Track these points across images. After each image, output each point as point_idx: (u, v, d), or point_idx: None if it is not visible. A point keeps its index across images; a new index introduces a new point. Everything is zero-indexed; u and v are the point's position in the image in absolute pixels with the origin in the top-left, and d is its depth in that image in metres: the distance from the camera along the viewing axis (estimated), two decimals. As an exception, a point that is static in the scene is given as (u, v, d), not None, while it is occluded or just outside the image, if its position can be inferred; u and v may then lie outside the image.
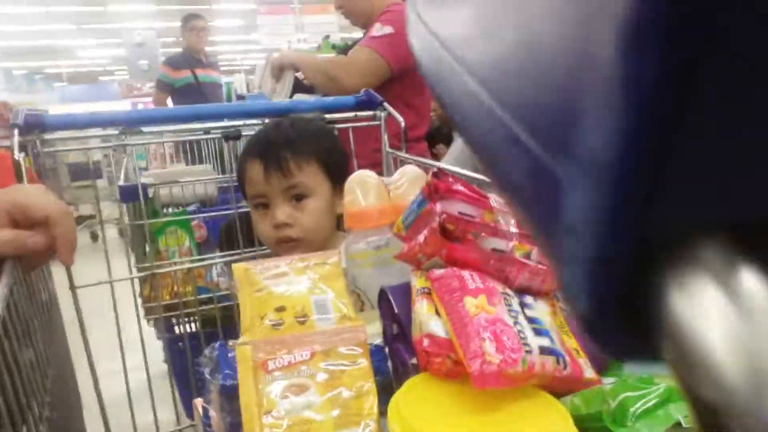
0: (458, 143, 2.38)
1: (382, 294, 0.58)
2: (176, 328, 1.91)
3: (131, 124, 1.06)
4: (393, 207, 0.72)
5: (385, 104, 1.33)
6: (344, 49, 1.93)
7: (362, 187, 0.70)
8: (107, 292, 1.18)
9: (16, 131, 0.97)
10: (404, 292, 0.58)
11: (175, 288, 1.79)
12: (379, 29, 1.79)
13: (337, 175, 1.07)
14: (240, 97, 6.30)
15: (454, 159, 2.38)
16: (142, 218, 1.54)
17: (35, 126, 1.02)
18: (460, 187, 0.55)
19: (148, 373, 1.31)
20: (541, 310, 0.53)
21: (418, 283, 0.54)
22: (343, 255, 0.71)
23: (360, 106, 1.37)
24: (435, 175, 0.55)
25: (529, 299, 0.53)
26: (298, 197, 1.02)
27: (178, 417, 1.46)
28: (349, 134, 1.34)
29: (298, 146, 1.02)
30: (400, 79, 1.84)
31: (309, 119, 1.11)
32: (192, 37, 4.31)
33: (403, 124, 1.30)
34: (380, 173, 1.70)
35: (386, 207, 0.70)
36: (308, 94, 1.85)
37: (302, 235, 1.02)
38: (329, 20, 7.99)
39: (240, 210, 1.51)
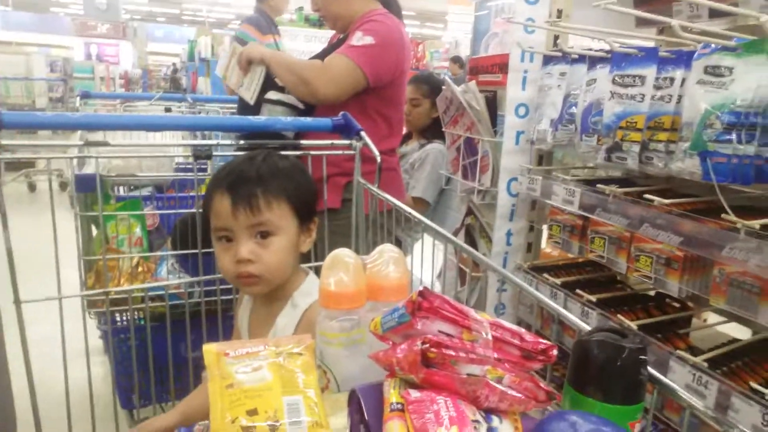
0: (429, 164, 2.39)
1: (353, 394, 0.59)
2: (119, 317, 1.85)
3: (97, 128, 1.01)
4: (368, 287, 0.72)
5: (362, 134, 1.32)
6: (321, 54, 1.87)
7: (339, 267, 0.70)
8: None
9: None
10: (375, 395, 0.59)
11: (121, 281, 1.73)
12: (359, 38, 1.76)
13: (306, 213, 1.07)
14: (203, 61, 6.05)
15: (430, 182, 2.39)
16: (93, 207, 1.47)
17: (-9, 125, 0.95)
18: (442, 306, 0.56)
19: (90, 381, 1.27)
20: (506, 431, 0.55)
21: (391, 396, 0.55)
22: (316, 328, 0.71)
23: (337, 129, 1.35)
24: (420, 294, 0.55)
25: (495, 421, 0.55)
26: (264, 234, 1.01)
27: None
28: (322, 160, 1.32)
29: (268, 183, 1.01)
30: (376, 90, 1.81)
31: (282, 155, 1.09)
32: (278, 2, 3.89)
33: (378, 159, 1.30)
34: (350, 188, 1.70)
35: (361, 290, 0.70)
36: (280, 93, 1.80)
37: (263, 272, 1.01)
38: (305, -11, 7.76)
39: (201, 210, 1.47)
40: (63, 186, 5.56)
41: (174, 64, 12.00)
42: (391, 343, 0.61)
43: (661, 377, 0.61)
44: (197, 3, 20.32)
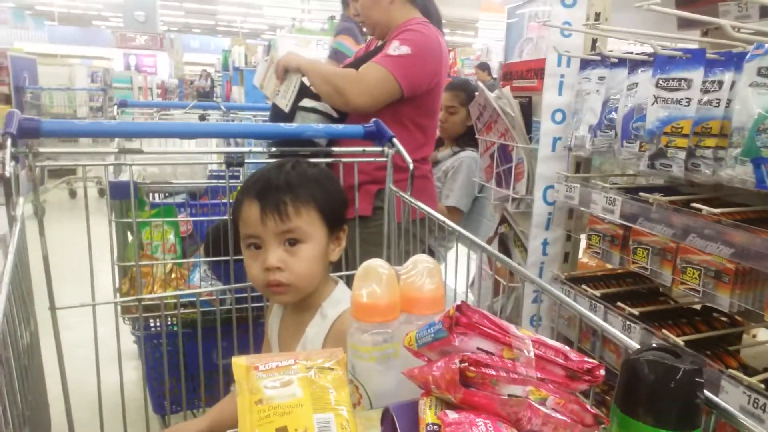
0: (463, 173, 2.35)
1: (387, 413, 0.57)
2: (152, 323, 1.87)
3: (131, 136, 1.02)
4: (402, 299, 0.69)
5: (394, 141, 1.30)
6: (357, 62, 1.86)
7: (372, 278, 0.67)
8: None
9: (9, 141, 0.91)
10: (410, 414, 0.56)
11: (155, 288, 1.75)
12: (396, 48, 1.74)
13: (335, 221, 1.06)
14: (237, 70, 6.16)
15: (464, 191, 2.35)
16: (128, 213, 1.49)
17: (31, 133, 0.96)
18: (481, 321, 0.53)
19: (122, 385, 1.27)
20: (548, 457, 0.52)
21: (427, 416, 0.52)
22: (347, 341, 0.69)
23: (368, 136, 1.33)
24: (458, 308, 0.52)
25: (538, 446, 0.52)
26: (292, 242, 1.00)
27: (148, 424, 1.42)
28: (354, 167, 1.31)
29: (297, 191, 1.00)
30: (411, 101, 1.80)
31: (312, 162, 1.08)
32: None
33: (411, 166, 1.27)
34: (381, 195, 1.68)
35: (395, 302, 0.68)
36: (315, 101, 1.79)
37: (292, 281, 1.00)
38: (336, -1, 7.85)
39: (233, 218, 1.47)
40: (101, 193, 5.73)
41: (207, 72, 12.36)
42: (426, 359, 0.58)
43: (719, 401, 0.57)
44: (231, 14, 20.79)
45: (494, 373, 0.50)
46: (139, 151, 1.03)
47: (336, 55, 3.70)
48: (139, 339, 1.86)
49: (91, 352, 1.16)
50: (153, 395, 1.84)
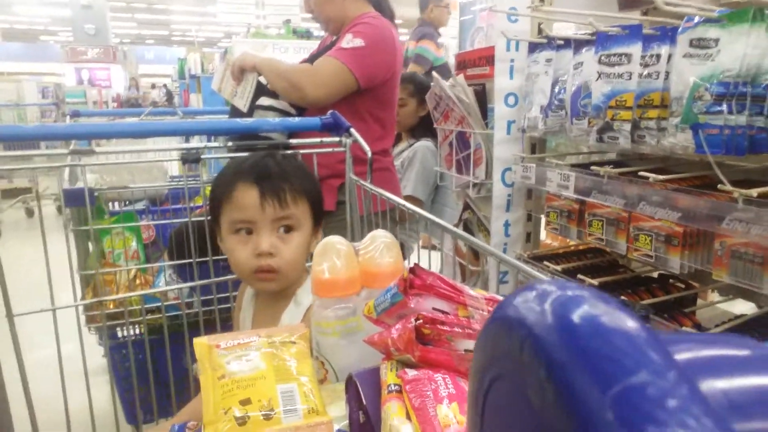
0: (417, 161, 2.38)
1: (350, 381, 0.58)
2: (120, 333, 1.83)
3: (83, 138, 1.00)
4: (361, 274, 0.71)
5: (352, 131, 1.31)
6: (312, 57, 1.87)
7: (332, 254, 0.68)
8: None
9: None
10: (373, 379, 0.57)
11: (119, 295, 1.71)
12: (349, 41, 1.75)
13: (319, 214, 1.10)
14: (193, 78, 6.07)
15: (420, 180, 2.38)
16: (86, 222, 1.46)
17: (-25, 138, 0.94)
18: (435, 282, 0.55)
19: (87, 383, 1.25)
20: (507, 408, 0.54)
21: (388, 377, 0.54)
22: (311, 321, 0.69)
23: (325, 128, 1.34)
24: (411, 270, 0.54)
25: (496, 398, 0.54)
26: (287, 229, 1.03)
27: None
28: (312, 158, 1.31)
29: (293, 180, 1.03)
30: (367, 93, 1.81)
31: (293, 155, 1.11)
32: (442, 13, 3.91)
33: (369, 154, 1.28)
34: (344, 190, 1.69)
35: (354, 276, 0.69)
36: (272, 99, 1.79)
37: (282, 267, 1.02)
38: (292, 2, 7.80)
39: (194, 219, 1.46)
40: (60, 210, 5.55)
41: (165, 85, 12.08)
42: (386, 326, 0.60)
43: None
44: (185, 23, 20.43)
45: (449, 329, 0.52)
46: (91, 152, 1.01)
47: (419, 60, 3.71)
48: (106, 348, 1.82)
49: (58, 371, 1.13)
50: (126, 406, 1.80)
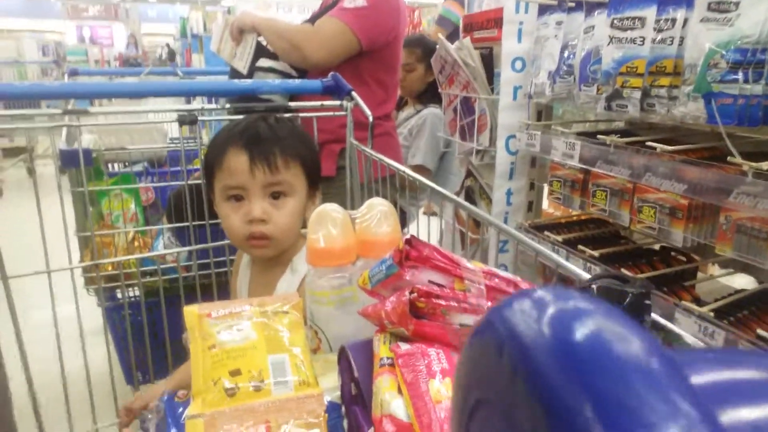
0: (427, 130, 2.34)
1: (343, 352, 0.57)
2: (118, 294, 1.83)
3: (78, 97, 0.97)
4: (357, 243, 0.69)
5: (353, 94, 1.27)
6: (313, 17, 1.81)
7: (327, 222, 0.66)
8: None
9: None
10: (365, 351, 0.56)
11: (115, 258, 1.71)
12: (351, 1, 1.69)
13: (315, 178, 1.06)
14: (195, 37, 5.95)
15: (429, 148, 2.34)
16: (82, 183, 1.44)
17: (-36, 96, 0.91)
18: (431, 254, 0.53)
19: (85, 357, 1.25)
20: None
21: (381, 350, 0.52)
22: (306, 290, 0.68)
23: (327, 91, 1.30)
24: (408, 242, 0.52)
25: (491, 373, 0.53)
26: (276, 195, 1.00)
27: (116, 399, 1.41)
28: (313, 122, 1.28)
29: (285, 143, 0.99)
30: (370, 55, 1.76)
31: (289, 119, 1.07)
32: None
33: (371, 118, 1.25)
34: (344, 155, 1.66)
35: (350, 245, 0.67)
36: (272, 60, 1.74)
37: (274, 233, 1.00)
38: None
39: (190, 182, 1.44)
40: (63, 170, 5.53)
41: (168, 45, 11.84)
42: (381, 297, 0.58)
43: (667, 323, 0.58)
44: (188, -21, 19.94)
45: (444, 303, 0.50)
46: (85, 112, 0.98)
47: (442, 22, 3.57)
48: (109, 311, 1.83)
49: (54, 333, 1.13)
50: (125, 366, 1.82)
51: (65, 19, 15.91)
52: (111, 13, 16.02)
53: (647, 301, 0.57)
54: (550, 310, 0.19)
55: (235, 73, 1.78)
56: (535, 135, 1.41)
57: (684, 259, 1.32)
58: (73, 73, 2.51)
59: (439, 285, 0.53)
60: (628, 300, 0.56)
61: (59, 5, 16.88)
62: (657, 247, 1.41)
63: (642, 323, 0.57)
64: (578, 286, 0.59)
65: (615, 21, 1.13)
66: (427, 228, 1.22)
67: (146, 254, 1.52)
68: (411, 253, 0.52)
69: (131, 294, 1.84)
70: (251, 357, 0.52)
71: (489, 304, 0.54)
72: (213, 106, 1.11)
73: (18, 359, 1.04)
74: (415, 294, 0.49)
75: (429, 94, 2.44)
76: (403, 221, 2.10)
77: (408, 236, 0.53)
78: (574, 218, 1.59)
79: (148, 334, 1.56)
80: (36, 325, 1.24)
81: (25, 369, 1.05)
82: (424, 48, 2.43)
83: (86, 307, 1.35)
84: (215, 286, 1.46)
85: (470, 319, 0.52)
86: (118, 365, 1.79)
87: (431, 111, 2.38)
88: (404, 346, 0.50)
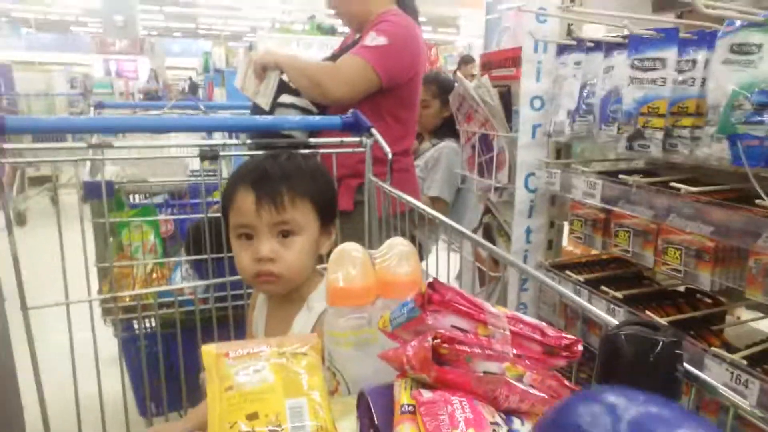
0: (443, 163, 2.35)
1: (362, 396, 0.55)
2: (135, 325, 1.83)
3: (102, 131, 0.99)
4: (377, 283, 0.68)
5: (373, 131, 1.28)
6: (334, 56, 1.85)
7: (347, 262, 0.66)
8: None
9: (-28, 137, 0.89)
10: (385, 396, 0.54)
11: (136, 289, 1.71)
12: (373, 38, 1.73)
13: (327, 214, 1.05)
14: (218, 72, 6.10)
15: (445, 180, 2.35)
16: (104, 214, 1.46)
17: (-6, 130, 0.93)
18: (455, 299, 0.52)
19: (99, 387, 1.24)
20: (528, 434, 0.51)
21: (402, 397, 0.51)
22: (324, 329, 0.67)
23: (346, 127, 1.32)
24: (430, 285, 0.51)
25: (516, 423, 0.51)
26: (285, 234, 0.99)
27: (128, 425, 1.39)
28: (332, 158, 1.29)
29: (293, 182, 0.99)
30: (390, 92, 1.78)
31: (305, 155, 1.07)
32: None
33: (390, 156, 1.26)
34: (362, 190, 1.67)
35: (370, 285, 0.66)
36: (294, 96, 1.77)
37: (283, 272, 0.99)
38: (317, -3, 7.80)
39: (210, 215, 1.45)
40: (84, 199, 5.63)
41: (190, 78, 12.16)
42: (401, 340, 0.57)
43: (700, 374, 0.56)
44: (212, 17, 20.62)
45: (468, 349, 0.49)
46: (110, 145, 1.00)
47: None
48: (125, 342, 1.83)
49: (70, 360, 1.13)
50: (139, 398, 1.81)
51: (93, 53, 16.48)
52: (136, 47, 16.57)
53: (678, 351, 0.55)
54: (625, 417, 0.17)
55: (257, 109, 1.82)
56: (555, 173, 1.40)
57: (710, 301, 1.29)
58: (100, 106, 2.58)
59: (462, 330, 0.52)
60: (658, 349, 0.54)
61: (88, 39, 17.53)
62: (682, 288, 1.37)
63: (674, 374, 0.55)
64: (606, 333, 0.57)
65: (635, 61, 1.13)
66: (444, 263, 1.21)
67: (163, 288, 1.52)
68: (434, 297, 0.51)
69: (147, 325, 1.84)
70: (269, 400, 0.51)
71: (514, 351, 0.52)
72: (233, 141, 1.12)
73: (33, 387, 1.04)
74: (438, 340, 0.48)
75: (445, 129, 2.46)
76: (420, 255, 2.09)
77: (431, 279, 0.52)
78: (595, 257, 1.56)
79: (164, 365, 1.55)
80: (52, 350, 1.24)
81: (40, 400, 1.05)
82: (439, 84, 2.47)
83: (102, 335, 1.34)
84: (232, 319, 1.45)
85: (495, 366, 0.50)
86: (131, 394, 1.77)
87: (448, 144, 2.39)
88: (426, 394, 0.49)
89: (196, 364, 1.58)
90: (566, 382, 0.54)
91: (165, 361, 1.55)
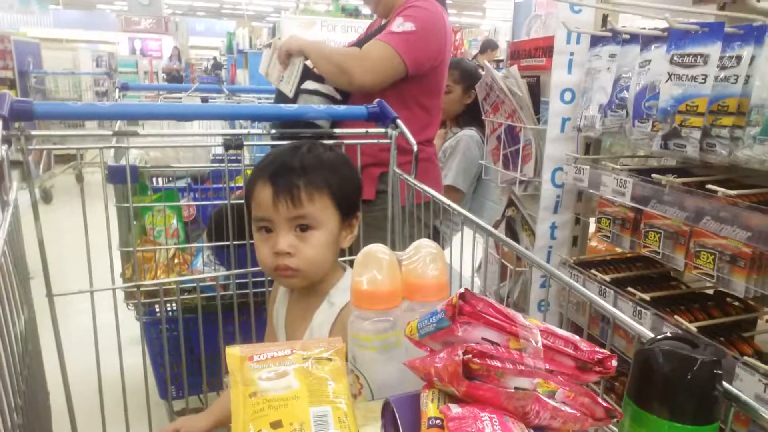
0: (460, 151, 2.31)
1: (387, 406, 0.54)
2: (157, 308, 1.86)
3: (127, 118, 0.99)
4: (403, 285, 0.66)
5: (398, 122, 1.26)
6: (360, 42, 1.82)
7: (372, 264, 0.64)
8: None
9: (0, 123, 0.89)
10: (412, 407, 0.53)
11: (158, 273, 1.73)
12: (399, 24, 1.69)
13: (348, 208, 1.03)
14: (241, 53, 6.09)
15: (461, 170, 2.32)
16: (128, 198, 1.46)
17: (23, 116, 0.93)
18: (486, 310, 0.50)
19: (122, 371, 1.26)
20: (557, 452, 0.49)
21: (429, 410, 0.50)
22: (348, 331, 0.66)
23: (372, 118, 1.29)
24: (461, 296, 0.49)
25: (546, 441, 0.49)
26: (303, 228, 0.98)
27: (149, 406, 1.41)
28: (357, 149, 1.27)
29: (312, 175, 0.97)
30: (415, 80, 1.75)
31: (327, 145, 1.05)
32: None
33: (415, 148, 1.23)
34: (384, 178, 1.65)
35: (396, 289, 0.65)
36: (318, 83, 1.75)
37: (301, 266, 0.98)
38: (342, -22, 7.71)
39: (232, 201, 1.45)
40: (109, 181, 5.72)
41: (215, 58, 12.19)
42: (428, 349, 0.56)
43: (739, 393, 0.54)
44: (236, -4, 20.57)
45: (500, 365, 0.47)
46: (135, 134, 1.00)
47: None
48: (147, 324, 1.85)
49: (99, 338, 1.15)
50: (160, 381, 1.84)
51: (118, 31, 16.60)
52: (161, 27, 16.64)
53: (718, 370, 0.53)
54: None
55: (281, 96, 1.80)
56: (584, 169, 1.36)
57: (740, 305, 1.25)
58: (124, 88, 2.59)
59: (493, 343, 0.50)
60: (696, 368, 0.52)
61: (114, 17, 17.65)
62: (711, 291, 1.34)
63: (713, 394, 0.52)
64: (641, 348, 0.55)
65: (675, 57, 1.08)
66: (465, 254, 1.19)
67: (185, 276, 1.53)
68: (465, 309, 0.49)
69: (169, 309, 1.86)
70: (293, 408, 0.50)
71: (546, 366, 0.50)
72: (257, 131, 1.11)
73: (57, 369, 1.05)
74: (470, 355, 0.46)
75: (467, 117, 2.42)
76: (441, 244, 2.07)
77: (463, 290, 0.50)
78: (621, 255, 1.52)
79: (184, 349, 1.57)
80: (73, 334, 1.26)
81: (64, 381, 1.06)
82: (462, 70, 2.42)
83: (125, 318, 1.36)
84: (252, 306, 1.46)
85: (526, 382, 0.49)
86: (152, 377, 1.80)
87: (466, 132, 2.35)
88: (455, 409, 0.47)
89: (216, 350, 1.60)
90: (599, 399, 0.52)
91: (186, 345, 1.57)
